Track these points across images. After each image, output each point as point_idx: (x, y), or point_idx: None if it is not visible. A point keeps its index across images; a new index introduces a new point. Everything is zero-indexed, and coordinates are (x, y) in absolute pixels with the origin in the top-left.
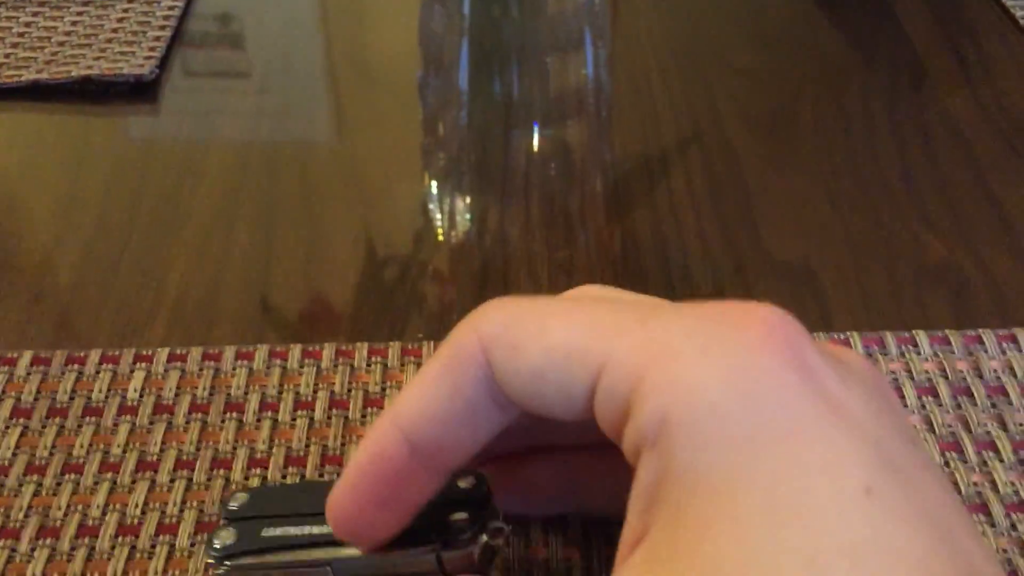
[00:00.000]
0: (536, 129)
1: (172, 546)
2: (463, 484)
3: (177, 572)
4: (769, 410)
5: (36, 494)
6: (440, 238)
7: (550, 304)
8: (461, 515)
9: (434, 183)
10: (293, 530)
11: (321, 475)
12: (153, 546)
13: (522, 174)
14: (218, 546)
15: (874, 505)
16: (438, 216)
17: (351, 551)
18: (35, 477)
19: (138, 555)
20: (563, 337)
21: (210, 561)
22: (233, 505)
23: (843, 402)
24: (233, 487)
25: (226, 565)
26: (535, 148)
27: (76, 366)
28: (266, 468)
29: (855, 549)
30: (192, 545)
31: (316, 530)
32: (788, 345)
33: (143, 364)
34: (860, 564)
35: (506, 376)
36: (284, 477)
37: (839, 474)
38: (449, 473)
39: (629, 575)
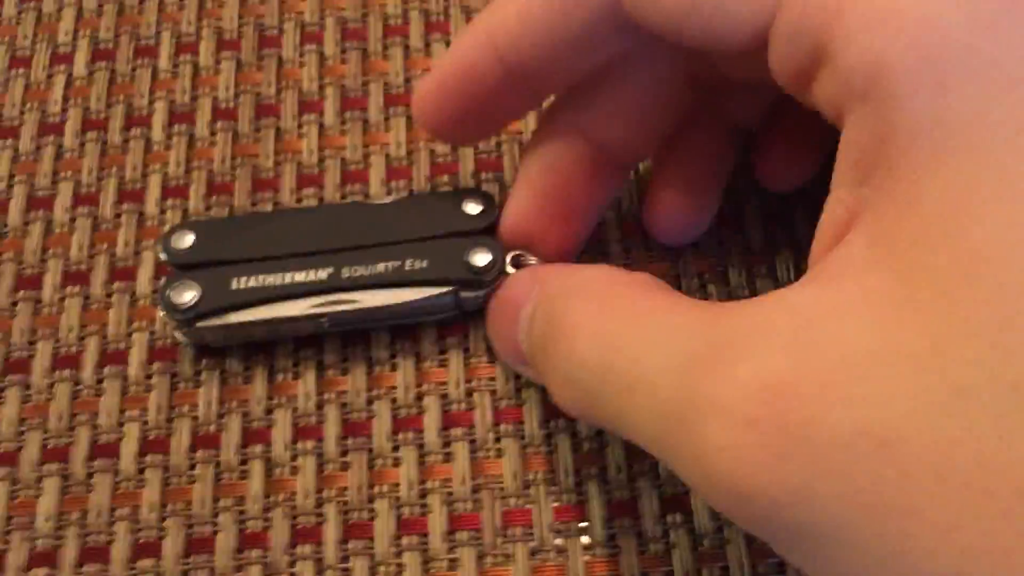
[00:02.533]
0: None
1: (133, 294)
2: (472, 209)
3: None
4: None
5: None
6: None
7: None
8: (484, 254)
9: None
10: (270, 279)
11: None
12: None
13: None
14: (180, 304)
15: None
16: None
17: (345, 299)
18: None
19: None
20: None
21: (171, 322)
22: (179, 245)
23: None
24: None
25: (195, 328)
26: None
27: None
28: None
29: None
30: (208, 208)
31: (300, 276)
32: None
33: None
34: None
35: (643, 9)
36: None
37: None
38: (545, 99)
39: (848, 267)
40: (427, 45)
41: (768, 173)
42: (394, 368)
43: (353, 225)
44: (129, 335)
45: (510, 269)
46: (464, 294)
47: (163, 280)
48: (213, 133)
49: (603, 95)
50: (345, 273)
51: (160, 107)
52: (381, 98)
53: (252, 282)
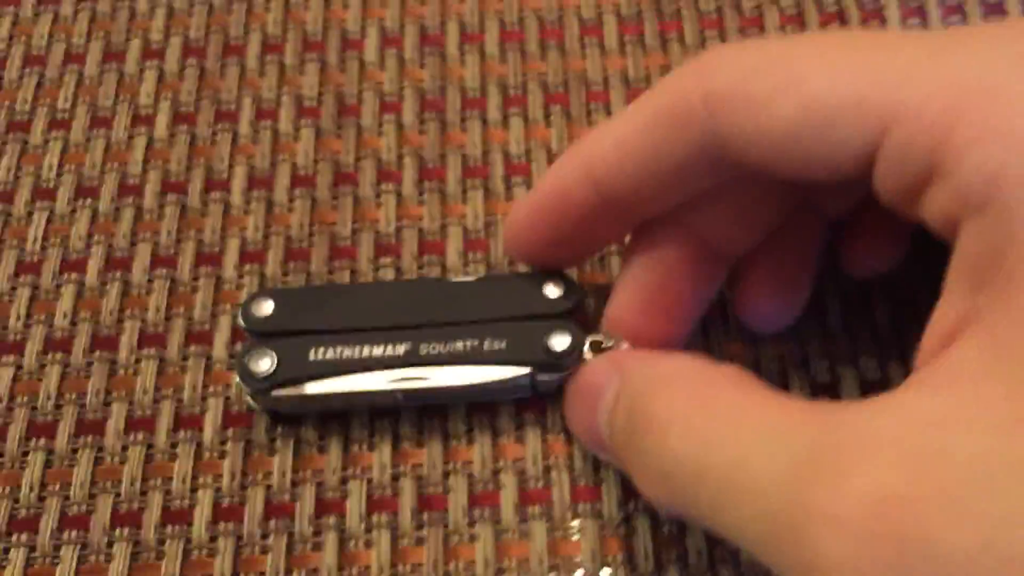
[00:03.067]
0: None
1: (208, 358)
2: (552, 292)
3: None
4: None
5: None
6: None
7: (796, 45)
8: (563, 337)
9: None
10: (348, 351)
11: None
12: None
13: None
14: (258, 373)
15: None
16: None
17: (422, 376)
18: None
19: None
20: (826, 87)
21: (247, 389)
22: (258, 313)
23: None
24: (244, 279)
25: (271, 396)
26: None
27: None
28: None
29: None
30: (285, 274)
31: (378, 350)
32: None
33: None
34: None
35: (743, 137)
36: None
37: None
38: (634, 226)
39: (960, 374)
40: (504, 118)
41: (853, 259)
42: (471, 443)
43: (432, 301)
44: (204, 399)
45: (588, 355)
46: (541, 377)
47: (240, 347)
48: (291, 199)
49: (709, 194)
50: (423, 350)
51: (239, 172)
52: (459, 170)
53: (330, 354)
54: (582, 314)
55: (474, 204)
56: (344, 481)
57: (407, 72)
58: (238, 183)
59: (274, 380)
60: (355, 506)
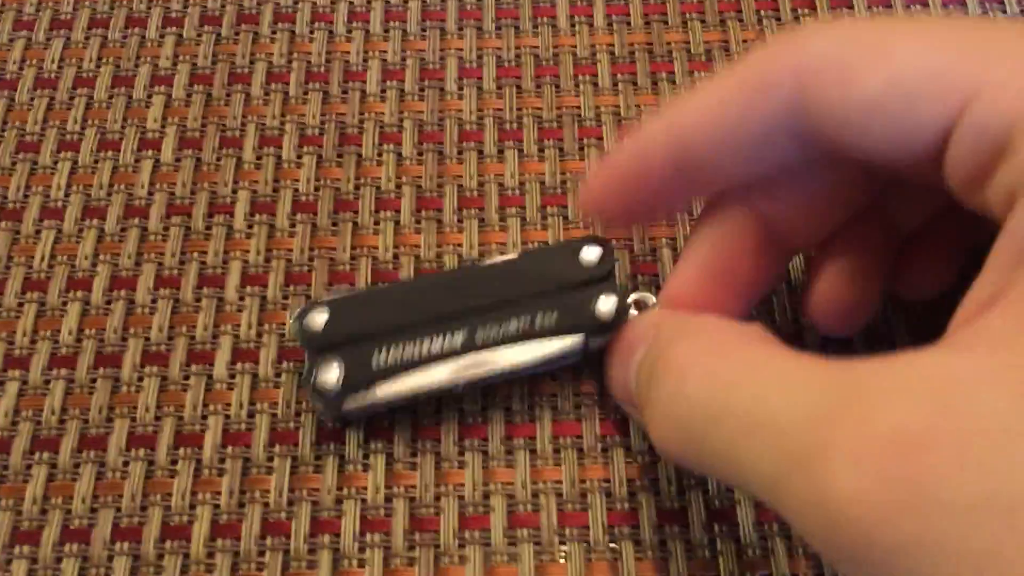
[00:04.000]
0: None
1: (255, 375)
2: (589, 256)
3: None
4: None
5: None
6: None
7: (888, 24)
8: (609, 301)
9: None
10: (408, 349)
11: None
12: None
13: None
14: (328, 385)
15: None
16: None
17: (484, 361)
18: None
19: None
20: (915, 61)
21: (319, 404)
22: (314, 326)
23: None
24: (289, 293)
25: (343, 408)
26: None
27: None
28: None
29: None
30: (285, 297)
31: (437, 344)
32: None
33: None
34: None
35: (829, 110)
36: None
37: None
38: (710, 193)
39: (985, 339)
40: (500, 151)
41: (909, 280)
42: (461, 467)
43: (477, 287)
44: (204, 418)
45: (633, 312)
46: (592, 340)
47: (305, 363)
48: (292, 224)
49: (782, 179)
50: (479, 335)
51: (243, 196)
52: (455, 200)
53: (392, 355)
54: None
55: (469, 233)
56: (339, 501)
57: (407, 104)
58: (241, 207)
59: (346, 389)
60: (349, 525)
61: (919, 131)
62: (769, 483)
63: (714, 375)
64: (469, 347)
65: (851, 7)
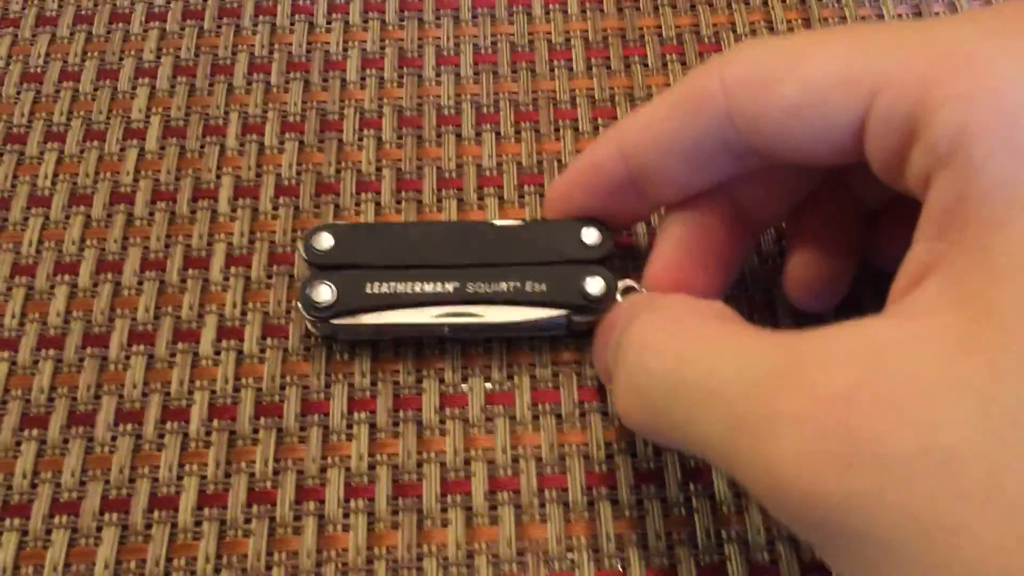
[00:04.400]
0: None
1: (240, 351)
2: (589, 238)
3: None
4: None
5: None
6: None
7: (804, 35)
8: (597, 283)
9: None
10: (401, 286)
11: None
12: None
13: None
14: (319, 303)
15: None
16: None
17: (469, 312)
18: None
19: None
20: (824, 66)
21: (308, 318)
22: (318, 248)
23: None
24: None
25: (330, 324)
26: None
27: None
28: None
29: None
30: (269, 276)
31: (428, 287)
32: None
33: None
34: None
35: (753, 118)
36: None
37: None
38: (659, 206)
39: (920, 307)
40: (478, 134)
41: (880, 253)
42: (443, 434)
43: (480, 244)
44: (191, 393)
45: (619, 298)
46: (576, 318)
47: (302, 279)
48: (275, 207)
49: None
50: (470, 288)
51: (226, 181)
52: (434, 181)
53: (385, 288)
54: (613, 260)
55: (448, 212)
56: (323, 470)
57: (386, 91)
58: (225, 192)
59: (334, 311)
60: (333, 493)
61: (835, 129)
62: (723, 451)
63: (672, 350)
64: (459, 297)
65: None
